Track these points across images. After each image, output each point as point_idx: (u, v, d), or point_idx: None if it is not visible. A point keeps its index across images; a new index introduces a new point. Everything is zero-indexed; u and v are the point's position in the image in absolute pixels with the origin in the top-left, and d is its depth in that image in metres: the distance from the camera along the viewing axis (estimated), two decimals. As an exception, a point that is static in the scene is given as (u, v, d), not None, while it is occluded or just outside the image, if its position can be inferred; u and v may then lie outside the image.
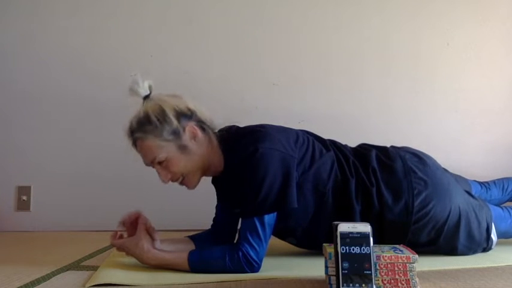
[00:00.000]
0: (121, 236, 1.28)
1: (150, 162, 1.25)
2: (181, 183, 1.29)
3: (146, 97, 1.26)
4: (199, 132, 1.26)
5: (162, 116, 1.22)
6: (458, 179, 1.52)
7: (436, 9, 2.35)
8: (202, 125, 1.29)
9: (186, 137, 1.24)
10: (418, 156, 1.43)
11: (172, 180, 1.27)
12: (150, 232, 1.26)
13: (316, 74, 2.31)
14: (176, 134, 1.23)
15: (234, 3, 2.33)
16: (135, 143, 1.25)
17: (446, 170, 1.49)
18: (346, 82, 2.31)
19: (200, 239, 1.42)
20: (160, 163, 1.24)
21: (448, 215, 1.33)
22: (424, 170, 1.37)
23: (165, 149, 1.22)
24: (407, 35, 2.34)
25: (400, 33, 2.34)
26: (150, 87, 1.27)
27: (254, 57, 2.31)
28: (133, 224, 1.27)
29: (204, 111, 1.30)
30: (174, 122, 1.22)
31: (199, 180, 1.31)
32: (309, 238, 1.36)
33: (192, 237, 1.42)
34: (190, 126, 1.25)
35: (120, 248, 1.26)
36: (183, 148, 1.24)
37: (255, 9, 2.34)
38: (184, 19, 2.32)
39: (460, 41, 2.35)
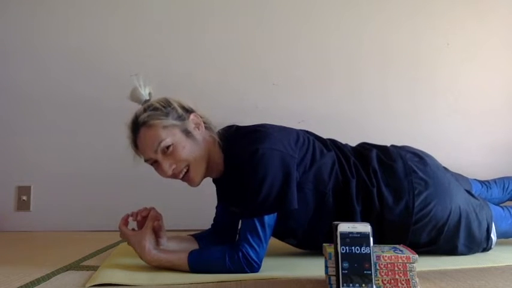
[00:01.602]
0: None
1: (154, 151, 1.20)
2: (184, 178, 1.26)
3: (146, 102, 1.28)
4: (202, 123, 1.28)
5: (167, 103, 1.24)
6: (458, 178, 1.52)
7: (436, 9, 2.35)
8: (204, 120, 1.30)
9: (190, 124, 1.25)
10: (419, 156, 1.43)
11: (175, 173, 1.24)
12: (156, 230, 1.26)
13: (316, 74, 2.31)
14: (181, 119, 1.24)
15: (234, 3, 2.33)
16: (138, 132, 1.23)
17: (446, 169, 1.49)
18: (346, 82, 2.31)
19: (203, 238, 1.42)
20: (164, 151, 1.20)
21: (449, 215, 1.33)
22: (424, 170, 1.37)
23: (171, 132, 1.21)
24: (407, 35, 2.34)
25: (400, 33, 2.34)
26: (150, 94, 1.30)
27: (254, 57, 2.31)
28: (145, 219, 1.26)
29: (204, 112, 1.32)
30: (179, 109, 1.24)
31: (202, 176, 1.28)
32: (309, 238, 1.36)
33: (195, 236, 1.42)
34: (194, 115, 1.27)
35: (123, 236, 1.25)
36: (188, 133, 1.24)
37: (255, 9, 2.34)
38: (184, 19, 2.32)
39: (460, 41, 2.35)
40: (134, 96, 1.28)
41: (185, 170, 1.24)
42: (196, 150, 1.24)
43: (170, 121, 1.22)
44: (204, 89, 2.22)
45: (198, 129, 1.27)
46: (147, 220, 1.25)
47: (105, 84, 2.26)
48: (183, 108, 1.26)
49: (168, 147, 1.20)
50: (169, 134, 1.21)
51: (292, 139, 1.30)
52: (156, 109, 1.22)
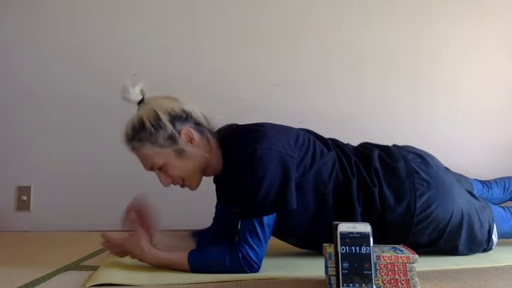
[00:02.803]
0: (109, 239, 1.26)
1: (149, 168, 1.26)
2: (183, 186, 1.30)
3: (140, 101, 1.26)
4: (195, 135, 1.25)
5: (157, 121, 1.20)
6: (460, 178, 1.51)
7: (436, 9, 2.35)
8: (198, 127, 1.27)
9: (182, 141, 1.23)
10: (421, 157, 1.42)
11: (173, 184, 1.28)
12: (149, 229, 1.26)
13: (316, 74, 2.30)
14: (172, 139, 1.22)
15: (234, 3, 2.33)
16: (132, 151, 1.26)
17: (448, 170, 1.49)
18: (346, 82, 2.31)
19: (203, 235, 1.42)
20: (159, 168, 1.25)
21: (451, 217, 1.32)
22: (426, 170, 1.36)
23: (162, 155, 1.22)
24: (407, 35, 2.34)
25: (400, 33, 2.34)
26: (142, 92, 1.26)
27: (254, 57, 2.31)
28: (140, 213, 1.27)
29: (200, 112, 1.28)
30: (169, 127, 1.21)
31: (200, 181, 1.31)
32: (309, 238, 1.36)
33: (195, 233, 1.42)
34: (186, 129, 1.24)
35: (118, 251, 1.25)
36: (180, 152, 1.23)
37: (255, 9, 2.33)
38: (184, 19, 2.32)
39: (460, 41, 2.35)
40: (127, 99, 1.25)
41: (182, 181, 1.29)
42: (189, 166, 1.26)
43: (160, 144, 1.21)
44: (204, 89, 2.22)
45: (191, 143, 1.24)
46: (134, 223, 1.24)
47: (106, 84, 2.25)
48: (174, 121, 1.22)
49: (161, 166, 1.24)
50: (161, 157, 1.23)
51: (292, 139, 1.29)
52: (145, 130, 1.20)
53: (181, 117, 1.24)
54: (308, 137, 1.36)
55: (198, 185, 1.31)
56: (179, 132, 1.22)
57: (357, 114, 2.27)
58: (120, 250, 1.25)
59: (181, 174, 1.26)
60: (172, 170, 1.24)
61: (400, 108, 2.30)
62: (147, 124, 1.20)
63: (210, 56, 2.30)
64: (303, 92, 2.29)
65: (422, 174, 1.35)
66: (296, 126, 1.41)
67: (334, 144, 1.41)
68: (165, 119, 1.21)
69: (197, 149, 1.25)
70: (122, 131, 1.25)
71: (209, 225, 1.49)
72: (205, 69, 2.28)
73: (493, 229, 1.38)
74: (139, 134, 1.21)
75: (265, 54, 2.31)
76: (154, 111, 1.21)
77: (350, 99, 2.30)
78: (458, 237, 1.34)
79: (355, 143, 1.53)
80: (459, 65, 2.34)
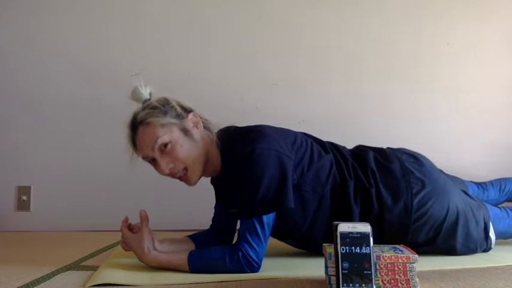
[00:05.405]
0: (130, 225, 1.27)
1: (151, 148, 1.20)
2: (182, 177, 1.26)
3: (146, 101, 1.29)
4: (201, 122, 1.29)
5: (166, 102, 1.26)
6: (454, 179, 1.53)
7: (436, 9, 2.36)
8: (202, 120, 1.31)
9: (189, 123, 1.26)
10: (415, 157, 1.44)
11: (173, 172, 1.24)
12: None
13: (316, 74, 2.31)
14: (180, 117, 1.25)
15: (234, 3, 2.34)
16: (136, 130, 1.23)
17: (442, 171, 1.50)
18: (346, 82, 2.31)
19: (200, 238, 1.42)
20: (161, 149, 1.20)
21: (446, 214, 1.33)
22: (421, 170, 1.38)
23: (169, 130, 1.21)
24: (407, 35, 2.34)
25: (400, 33, 2.34)
26: (150, 94, 1.31)
27: (254, 57, 2.31)
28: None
29: (202, 113, 1.33)
30: (178, 108, 1.25)
31: (200, 176, 1.28)
32: (308, 240, 1.36)
33: (191, 237, 1.42)
34: (193, 114, 1.28)
35: (123, 238, 1.25)
36: (186, 132, 1.24)
37: (255, 9, 2.34)
38: (184, 19, 2.32)
39: (460, 41, 2.35)
40: (135, 96, 1.29)
41: (183, 169, 1.24)
42: (194, 150, 1.24)
43: (168, 119, 1.22)
44: (204, 89, 2.22)
45: (197, 128, 1.27)
46: (141, 222, 1.24)
47: (106, 84, 2.26)
48: (182, 107, 1.27)
49: (165, 145, 1.20)
50: (167, 132, 1.21)
51: (289, 141, 1.30)
52: (154, 108, 1.23)
53: (187, 108, 1.29)
54: (306, 139, 1.37)
55: (198, 178, 1.27)
56: (186, 115, 1.26)
57: (356, 114, 2.27)
58: (125, 244, 1.25)
59: (185, 156, 1.22)
60: (177, 149, 1.21)
61: (400, 108, 2.30)
62: (157, 104, 1.24)
63: (209, 56, 2.30)
64: (303, 92, 2.29)
65: (417, 174, 1.37)
66: (296, 126, 1.41)
67: (331, 147, 1.42)
68: (173, 101, 1.26)
69: (201, 135, 1.27)
70: (127, 120, 1.26)
71: (208, 225, 1.49)
72: (206, 69, 2.28)
73: (489, 227, 1.39)
74: (149, 109, 1.23)
75: (265, 54, 2.31)
76: (164, 97, 1.27)
77: (350, 100, 2.30)
78: (455, 235, 1.35)
79: (355, 143, 1.54)
80: (459, 65, 2.34)
